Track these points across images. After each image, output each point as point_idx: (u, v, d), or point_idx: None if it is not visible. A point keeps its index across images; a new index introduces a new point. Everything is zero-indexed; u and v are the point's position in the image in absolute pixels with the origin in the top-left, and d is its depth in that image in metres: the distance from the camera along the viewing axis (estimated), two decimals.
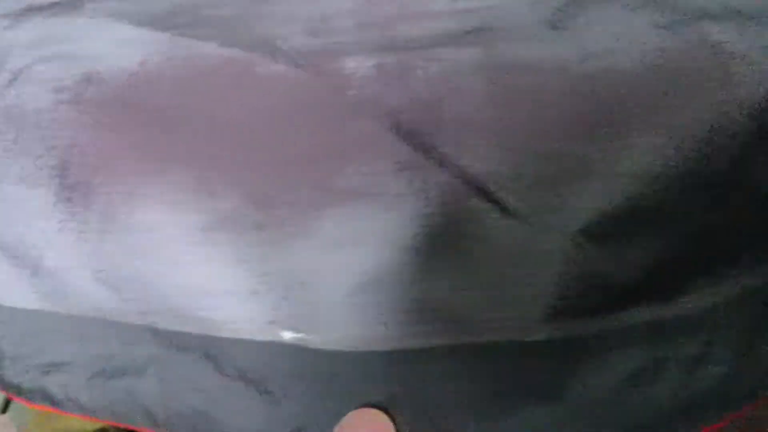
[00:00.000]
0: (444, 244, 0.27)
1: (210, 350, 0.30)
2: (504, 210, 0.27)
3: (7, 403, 0.35)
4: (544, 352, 0.28)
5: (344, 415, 0.28)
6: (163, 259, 0.29)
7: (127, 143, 0.30)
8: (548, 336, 0.28)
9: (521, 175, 0.27)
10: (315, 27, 0.32)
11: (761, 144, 0.27)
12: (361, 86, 0.30)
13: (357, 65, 0.30)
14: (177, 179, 0.29)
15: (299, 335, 0.28)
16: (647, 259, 0.27)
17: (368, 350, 0.28)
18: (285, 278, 0.28)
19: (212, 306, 0.29)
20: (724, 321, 0.29)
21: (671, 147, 0.27)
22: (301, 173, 0.29)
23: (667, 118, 0.27)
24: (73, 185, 0.29)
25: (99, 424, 0.33)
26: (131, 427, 0.31)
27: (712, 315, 0.29)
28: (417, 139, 0.28)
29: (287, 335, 0.28)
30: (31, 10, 0.34)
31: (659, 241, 0.27)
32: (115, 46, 0.32)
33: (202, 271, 0.29)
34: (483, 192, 0.27)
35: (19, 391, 0.31)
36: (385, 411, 0.29)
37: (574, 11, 0.30)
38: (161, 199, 0.29)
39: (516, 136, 0.28)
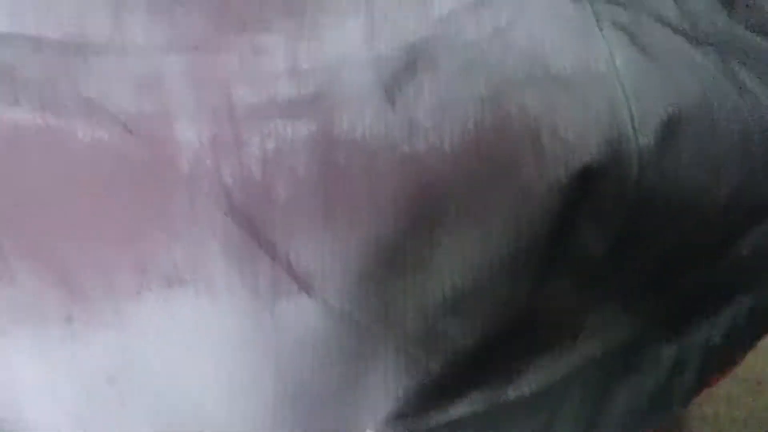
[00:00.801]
0: (272, 346, 0.26)
1: None
2: (330, 310, 0.26)
3: None
4: None
5: None
6: None
7: None
8: None
9: (347, 271, 0.26)
10: (148, 85, 0.29)
11: (577, 219, 0.27)
12: (193, 159, 0.28)
13: (191, 135, 0.28)
14: None
15: None
16: (476, 350, 0.27)
17: None
18: (91, 376, 0.25)
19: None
20: (565, 395, 0.29)
21: (488, 232, 0.27)
22: (119, 253, 0.26)
23: (482, 201, 0.27)
24: None
25: None
26: None
27: (553, 391, 0.29)
28: (250, 223, 0.27)
29: None
30: None
31: (486, 329, 0.27)
32: None
33: None
34: (311, 289, 0.26)
35: None
36: None
37: (408, 77, 0.29)
38: None
39: (344, 224, 0.27)
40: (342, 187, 0.27)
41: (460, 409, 0.27)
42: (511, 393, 0.28)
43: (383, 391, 0.26)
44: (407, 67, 0.31)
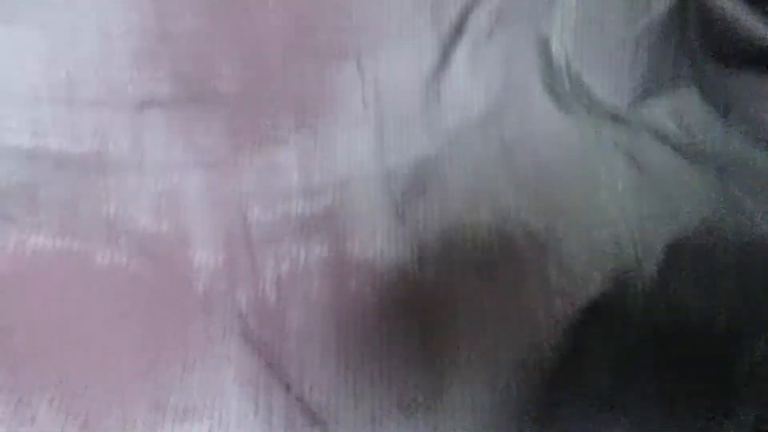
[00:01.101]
0: None
1: None
2: None
3: None
4: None
5: None
6: None
7: None
8: None
9: (359, 407, 0.26)
10: (166, 203, 0.30)
11: (583, 352, 0.28)
12: (209, 281, 0.29)
13: (207, 257, 0.29)
14: None
15: None
16: None
17: None
18: None
19: None
20: None
21: (495, 371, 0.27)
22: (135, 386, 0.26)
23: (491, 336, 0.27)
24: None
25: None
26: None
27: None
28: (263, 350, 0.27)
29: None
30: None
31: None
32: None
33: None
34: (324, 424, 0.26)
35: None
36: None
37: (417, 195, 0.30)
38: None
39: (356, 355, 0.27)
40: (354, 315, 0.28)
41: None
42: None
43: None
44: (416, 184, 0.32)
